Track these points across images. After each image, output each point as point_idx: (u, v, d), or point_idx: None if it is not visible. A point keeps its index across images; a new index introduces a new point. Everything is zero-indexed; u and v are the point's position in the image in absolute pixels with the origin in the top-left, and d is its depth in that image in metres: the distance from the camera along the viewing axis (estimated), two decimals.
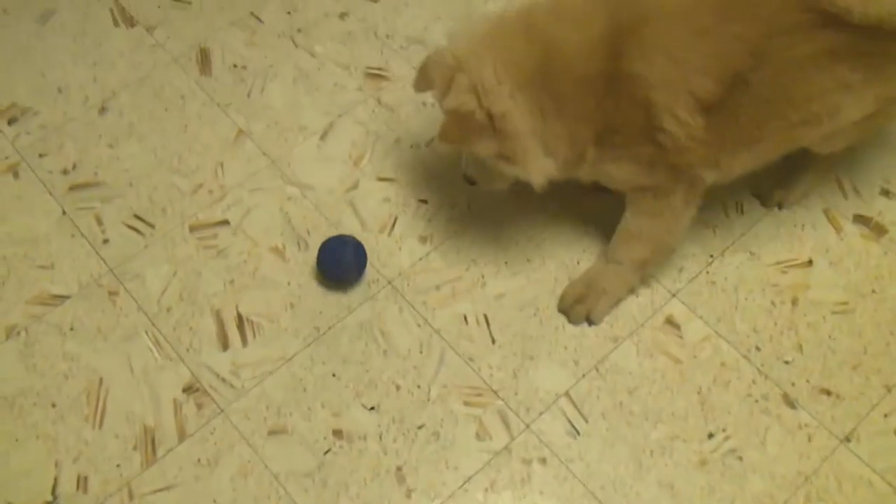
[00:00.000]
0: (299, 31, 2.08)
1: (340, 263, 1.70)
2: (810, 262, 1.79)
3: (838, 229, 1.83)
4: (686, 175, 1.57)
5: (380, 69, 2.03)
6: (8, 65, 2.03)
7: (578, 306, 1.70)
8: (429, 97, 1.95)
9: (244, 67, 2.03)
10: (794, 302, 1.74)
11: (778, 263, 1.79)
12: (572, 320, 1.71)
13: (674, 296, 1.74)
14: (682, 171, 1.56)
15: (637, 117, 1.48)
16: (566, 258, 1.78)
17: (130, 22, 2.10)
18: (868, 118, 1.59)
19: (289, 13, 2.11)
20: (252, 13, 2.11)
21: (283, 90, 1.99)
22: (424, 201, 1.85)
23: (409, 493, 1.54)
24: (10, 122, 1.95)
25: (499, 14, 1.52)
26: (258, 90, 1.99)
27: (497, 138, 1.47)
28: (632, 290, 1.74)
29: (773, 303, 1.74)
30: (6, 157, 1.90)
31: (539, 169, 1.51)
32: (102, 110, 1.97)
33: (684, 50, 1.43)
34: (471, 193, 1.85)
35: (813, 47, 1.44)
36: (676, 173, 1.57)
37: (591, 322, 1.71)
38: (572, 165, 1.56)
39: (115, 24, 2.09)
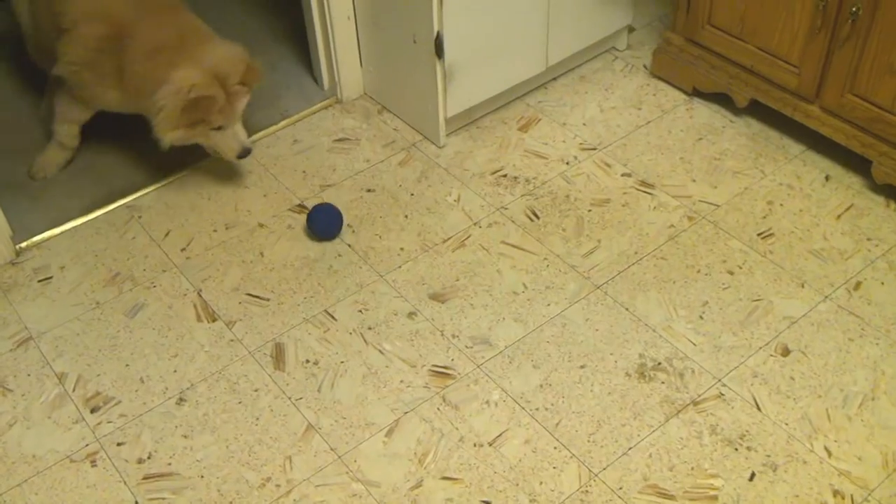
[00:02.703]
0: (370, 328, 2.20)
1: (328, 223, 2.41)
2: None
3: None
4: None
5: (445, 368, 2.12)
6: (97, 355, 2.16)
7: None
8: (494, 394, 2.03)
9: (316, 363, 2.13)
10: None
11: None
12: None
13: None
14: None
15: None
16: None
17: (212, 317, 2.24)
18: None
19: (360, 311, 2.24)
20: (326, 311, 2.25)
21: (352, 386, 2.09)
22: (487, 502, 1.87)
23: None
24: (94, 410, 2.05)
25: None
26: (328, 385, 2.09)
27: None
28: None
29: None
30: (86, 445, 1.98)
31: None
32: (180, 401, 2.06)
33: None
34: (532, 495, 1.87)
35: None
36: None
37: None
38: None
39: (198, 318, 2.24)
